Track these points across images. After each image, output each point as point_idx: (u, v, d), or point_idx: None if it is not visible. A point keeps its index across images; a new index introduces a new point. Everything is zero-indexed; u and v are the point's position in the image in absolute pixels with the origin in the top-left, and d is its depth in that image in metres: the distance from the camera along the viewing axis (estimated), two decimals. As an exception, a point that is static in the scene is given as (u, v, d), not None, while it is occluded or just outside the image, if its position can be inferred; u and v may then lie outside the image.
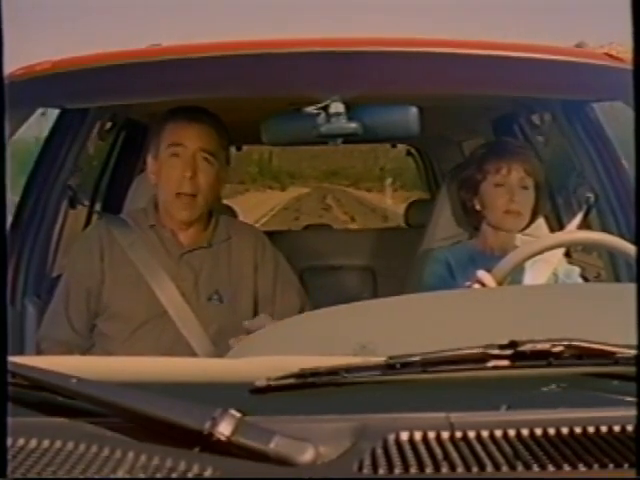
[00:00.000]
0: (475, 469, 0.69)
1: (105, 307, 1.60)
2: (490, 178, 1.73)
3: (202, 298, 1.60)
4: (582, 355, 0.83)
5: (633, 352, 0.79)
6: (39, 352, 1.61)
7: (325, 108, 1.35)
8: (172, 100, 1.62)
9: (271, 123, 1.57)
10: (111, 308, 1.60)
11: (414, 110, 1.47)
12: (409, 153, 4.18)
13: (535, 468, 0.69)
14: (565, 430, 0.75)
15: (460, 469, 0.69)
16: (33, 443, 0.74)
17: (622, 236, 1.50)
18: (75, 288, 1.62)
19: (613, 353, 0.83)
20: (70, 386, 0.78)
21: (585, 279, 1.87)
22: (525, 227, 1.78)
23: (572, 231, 1.79)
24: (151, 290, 1.58)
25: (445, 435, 0.75)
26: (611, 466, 0.69)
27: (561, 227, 2.05)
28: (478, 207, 1.77)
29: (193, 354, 1.53)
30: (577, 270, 1.78)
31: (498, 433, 0.75)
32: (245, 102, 1.82)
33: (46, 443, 0.74)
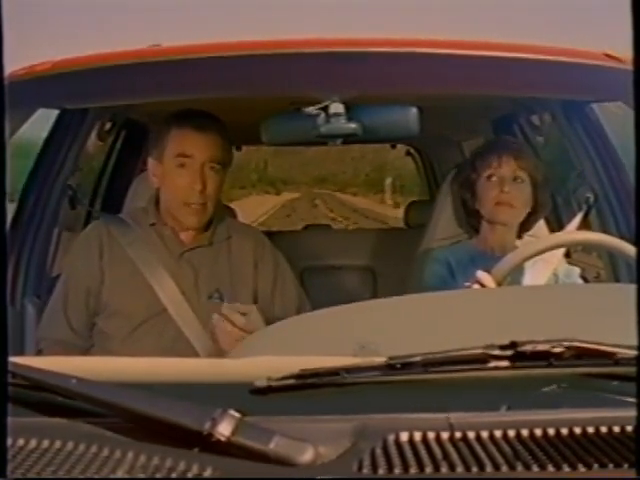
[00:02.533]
0: (475, 469, 0.69)
1: (105, 306, 1.60)
2: (482, 173, 1.73)
3: (202, 296, 1.60)
4: (582, 355, 0.83)
5: (633, 352, 0.78)
6: (39, 352, 1.61)
7: (325, 108, 1.35)
8: (172, 100, 1.62)
9: (271, 123, 1.57)
10: (111, 306, 1.60)
11: (414, 110, 1.47)
12: (409, 153, 4.18)
13: (535, 468, 0.69)
14: (565, 430, 0.75)
15: (460, 469, 0.69)
16: (33, 443, 0.74)
17: (622, 236, 1.50)
18: (74, 287, 1.62)
19: (613, 353, 0.82)
20: (70, 386, 0.78)
21: (585, 279, 1.87)
22: (526, 225, 1.77)
23: (572, 232, 1.79)
24: (151, 288, 1.58)
25: (445, 435, 0.75)
26: (611, 466, 0.69)
27: (561, 227, 2.05)
28: (476, 206, 1.77)
29: (194, 352, 1.53)
30: (577, 270, 1.78)
31: (498, 434, 0.75)
32: (245, 102, 1.82)
33: (46, 443, 0.74)
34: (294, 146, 3.97)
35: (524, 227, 1.78)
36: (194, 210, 1.59)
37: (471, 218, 1.83)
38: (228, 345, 1.39)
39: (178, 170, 1.59)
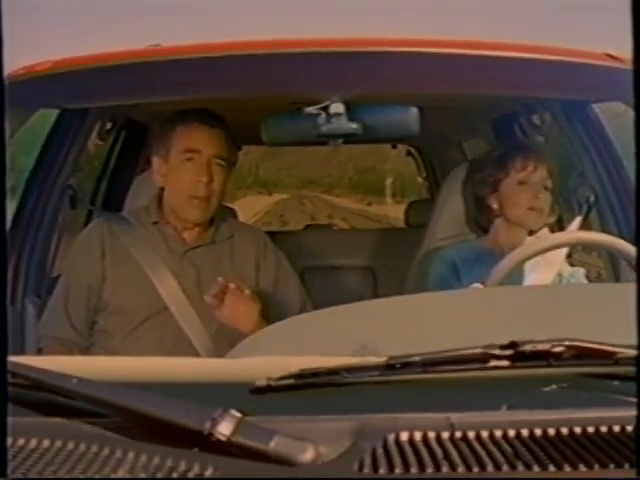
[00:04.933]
0: (475, 469, 0.69)
1: (106, 304, 1.60)
2: (514, 175, 1.74)
3: (204, 295, 1.60)
4: (582, 355, 0.83)
5: (633, 352, 0.78)
6: (39, 350, 1.61)
7: (325, 108, 1.35)
8: (173, 100, 1.62)
9: (271, 123, 1.57)
10: (112, 304, 1.60)
11: (414, 110, 1.47)
12: (409, 153, 4.19)
13: (535, 468, 0.69)
14: (565, 430, 0.75)
15: (460, 469, 0.69)
16: (33, 443, 0.74)
17: (622, 236, 1.50)
18: (75, 286, 1.62)
19: (613, 353, 0.82)
20: (70, 386, 0.78)
21: (587, 279, 1.87)
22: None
23: (567, 232, 1.80)
24: (153, 287, 1.58)
25: (445, 435, 0.75)
26: (611, 466, 0.69)
27: (562, 227, 2.05)
28: (495, 205, 1.77)
29: (194, 351, 1.53)
30: (582, 271, 1.78)
31: (498, 433, 0.75)
32: (245, 102, 1.82)
33: (46, 443, 0.74)
34: (293, 146, 3.98)
35: (533, 230, 1.79)
36: (199, 204, 1.60)
37: (482, 216, 1.82)
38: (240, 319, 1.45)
39: (185, 165, 1.60)
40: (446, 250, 1.82)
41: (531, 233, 1.77)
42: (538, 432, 0.75)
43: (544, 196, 1.72)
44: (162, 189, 1.67)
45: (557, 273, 1.72)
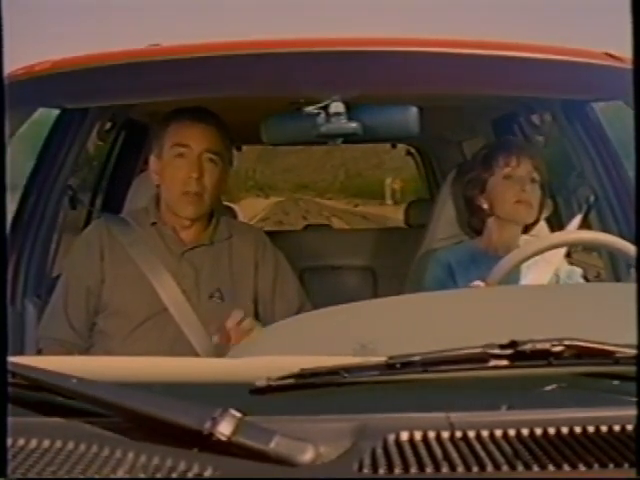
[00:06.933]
0: (475, 469, 0.69)
1: (105, 305, 1.60)
2: (498, 172, 1.74)
3: (203, 296, 1.60)
4: (582, 355, 0.83)
5: (633, 352, 0.78)
6: (39, 351, 1.61)
7: (325, 108, 1.35)
8: (172, 100, 1.62)
9: (271, 123, 1.57)
10: (111, 306, 1.60)
11: (414, 110, 1.47)
12: (409, 153, 4.19)
13: (535, 468, 0.69)
14: (565, 430, 0.75)
15: (460, 469, 0.69)
16: (33, 443, 0.74)
17: (622, 236, 1.50)
18: (74, 287, 1.62)
19: (613, 353, 0.82)
20: (70, 386, 0.78)
21: (586, 279, 1.87)
22: (530, 225, 1.78)
23: (565, 232, 1.80)
24: (152, 288, 1.58)
25: (445, 435, 0.75)
26: (611, 466, 0.69)
27: (561, 227, 2.05)
28: (485, 205, 1.77)
29: (193, 352, 1.53)
30: (579, 271, 1.78)
31: (498, 433, 0.75)
32: (245, 102, 1.82)
33: (46, 443, 0.74)
34: (292, 146, 3.99)
35: (527, 228, 1.78)
36: (191, 199, 1.60)
37: (474, 217, 1.82)
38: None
39: (176, 161, 1.60)
40: (441, 252, 1.82)
41: (525, 230, 1.77)
42: (538, 432, 0.75)
43: (531, 189, 1.72)
44: (159, 188, 1.67)
45: (554, 273, 1.72)
